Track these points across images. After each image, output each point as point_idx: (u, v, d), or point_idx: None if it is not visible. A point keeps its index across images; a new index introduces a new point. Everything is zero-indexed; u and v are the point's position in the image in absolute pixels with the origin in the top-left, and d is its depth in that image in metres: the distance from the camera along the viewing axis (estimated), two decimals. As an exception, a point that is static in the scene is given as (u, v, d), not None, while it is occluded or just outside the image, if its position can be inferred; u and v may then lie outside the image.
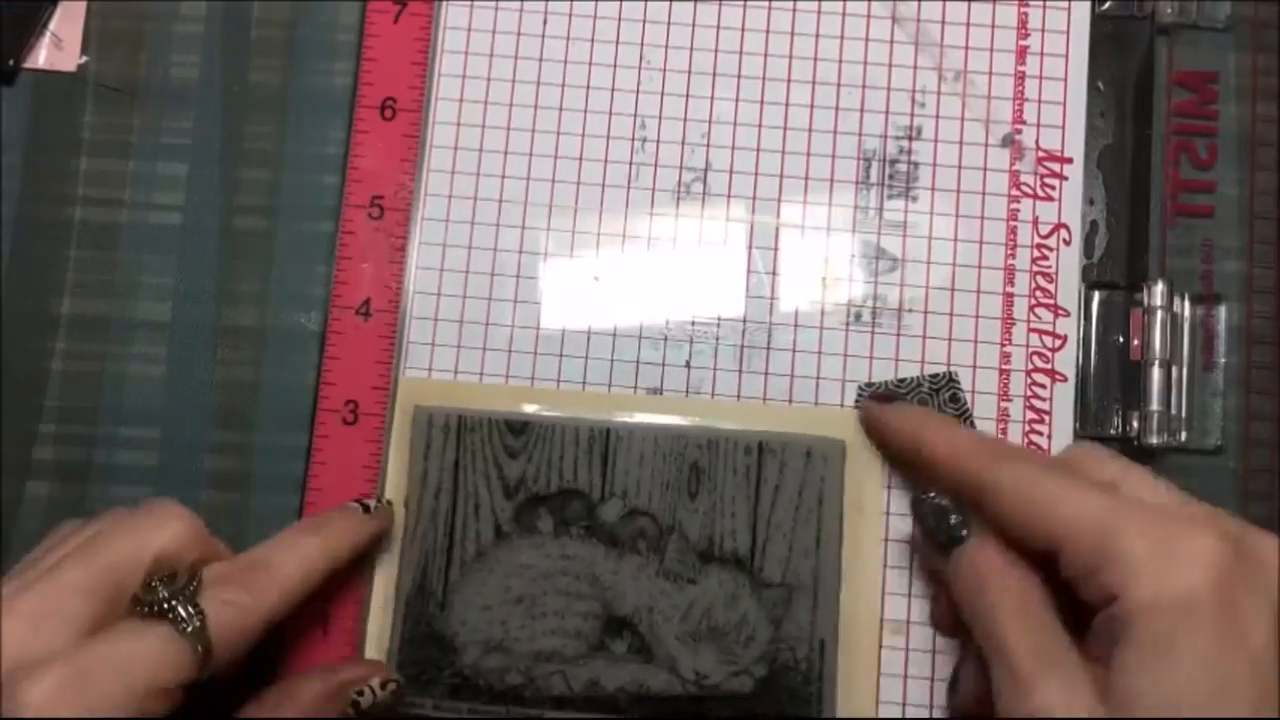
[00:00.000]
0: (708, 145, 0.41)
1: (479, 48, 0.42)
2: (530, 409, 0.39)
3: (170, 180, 0.41)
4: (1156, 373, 0.39)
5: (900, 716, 0.38)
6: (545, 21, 0.42)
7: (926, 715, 0.38)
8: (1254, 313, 0.41)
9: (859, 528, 0.38)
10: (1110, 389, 0.40)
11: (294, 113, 0.41)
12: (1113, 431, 0.40)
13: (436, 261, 0.40)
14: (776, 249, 0.41)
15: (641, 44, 0.41)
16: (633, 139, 0.41)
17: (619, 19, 0.42)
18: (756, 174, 0.41)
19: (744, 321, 0.40)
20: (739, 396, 0.40)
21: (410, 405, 0.39)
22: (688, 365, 0.40)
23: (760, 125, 0.41)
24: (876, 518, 0.39)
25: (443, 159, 0.41)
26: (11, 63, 0.41)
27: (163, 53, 0.42)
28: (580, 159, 0.41)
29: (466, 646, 0.37)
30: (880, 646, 0.38)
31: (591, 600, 0.37)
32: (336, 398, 0.39)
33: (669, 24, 0.42)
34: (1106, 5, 0.42)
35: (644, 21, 0.42)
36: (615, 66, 0.41)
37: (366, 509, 0.37)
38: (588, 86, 0.41)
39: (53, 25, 0.41)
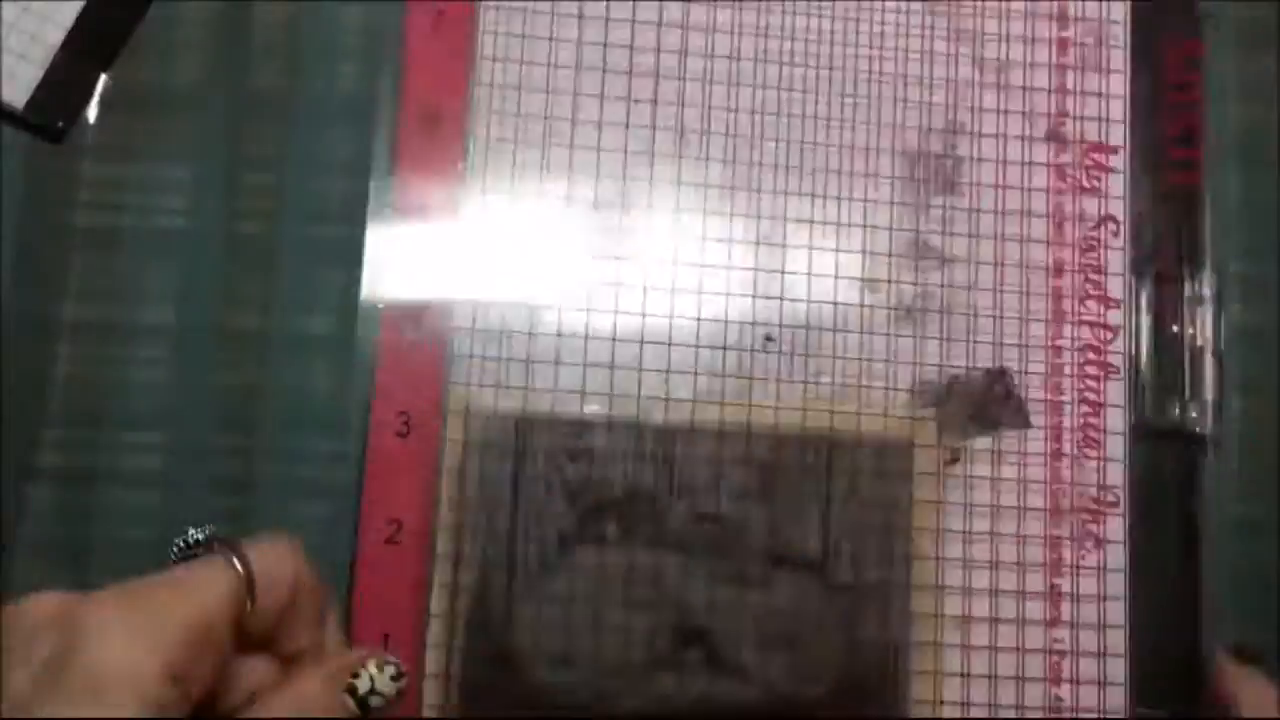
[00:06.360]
0: (753, 140, 0.41)
1: (516, 54, 0.41)
2: (591, 409, 0.38)
3: (175, 184, 0.40)
4: (1210, 361, 0.39)
5: (964, 718, 0.38)
6: (580, 28, 0.41)
7: (988, 716, 0.38)
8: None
9: (921, 525, 0.38)
10: (1164, 380, 0.40)
11: (300, 117, 0.41)
12: (1171, 424, 0.40)
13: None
14: (811, 248, 0.40)
15: (684, 51, 0.41)
16: (678, 156, 0.40)
17: (659, 23, 0.41)
18: (801, 170, 0.40)
19: (778, 326, 0.40)
20: (784, 403, 0.39)
21: (463, 413, 0.38)
22: (743, 374, 0.39)
23: (802, 117, 0.41)
24: (934, 514, 0.38)
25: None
26: (61, 124, 0.40)
27: (165, 56, 0.41)
28: (624, 178, 0.40)
29: (532, 662, 0.37)
30: (941, 644, 0.38)
31: (660, 610, 0.37)
32: (388, 410, 0.38)
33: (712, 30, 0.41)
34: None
35: (684, 28, 0.41)
36: (657, 76, 0.41)
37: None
38: (629, 98, 0.41)
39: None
